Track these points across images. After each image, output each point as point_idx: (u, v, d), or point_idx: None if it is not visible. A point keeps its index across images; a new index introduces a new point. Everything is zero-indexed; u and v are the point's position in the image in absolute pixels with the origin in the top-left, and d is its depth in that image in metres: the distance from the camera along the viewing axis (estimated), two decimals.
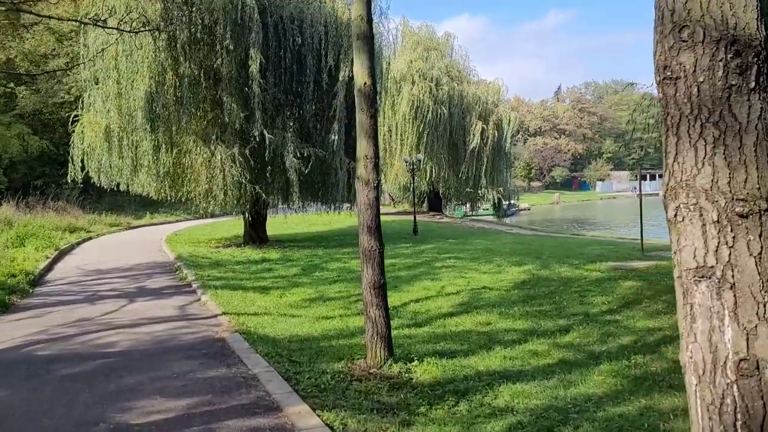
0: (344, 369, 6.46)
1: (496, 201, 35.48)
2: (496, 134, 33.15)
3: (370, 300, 6.61)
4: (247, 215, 19.06)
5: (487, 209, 46.31)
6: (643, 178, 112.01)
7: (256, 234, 21.23)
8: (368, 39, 6.51)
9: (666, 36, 2.28)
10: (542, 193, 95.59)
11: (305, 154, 17.70)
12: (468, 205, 49.58)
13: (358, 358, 6.81)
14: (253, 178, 17.67)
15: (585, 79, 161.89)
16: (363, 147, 6.53)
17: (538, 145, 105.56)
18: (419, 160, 26.75)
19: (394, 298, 10.31)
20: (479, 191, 34.50)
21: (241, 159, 16.95)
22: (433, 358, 6.67)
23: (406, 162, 25.82)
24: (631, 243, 18.98)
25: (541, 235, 24.63)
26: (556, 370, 6.37)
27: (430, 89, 31.40)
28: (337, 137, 18.19)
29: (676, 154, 2.28)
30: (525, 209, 66.16)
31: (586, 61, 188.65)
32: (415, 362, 6.56)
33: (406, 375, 6.28)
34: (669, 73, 2.28)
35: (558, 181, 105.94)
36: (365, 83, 6.46)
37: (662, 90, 2.33)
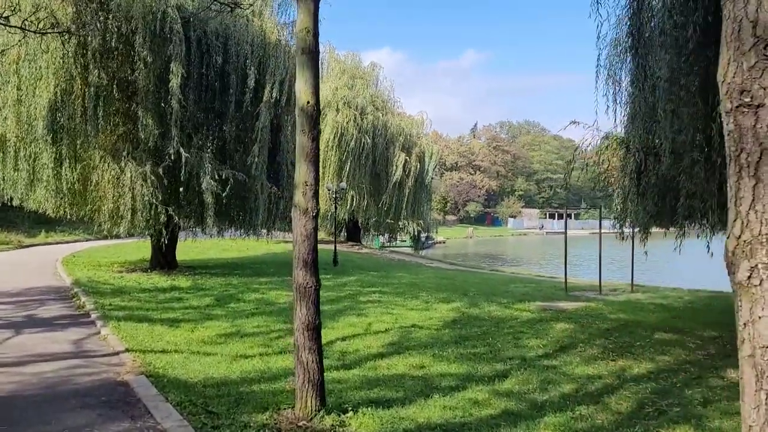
0: (270, 422, 5.69)
1: (415, 233, 35.41)
2: (419, 166, 33.20)
3: (303, 343, 5.89)
4: (156, 238, 17.70)
5: (404, 241, 46.27)
6: (551, 216, 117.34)
7: (164, 259, 19.84)
8: (313, 54, 5.91)
9: (745, 53, 1.81)
10: (457, 227, 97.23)
11: (223, 176, 16.71)
12: (386, 236, 49.42)
13: (284, 408, 6.04)
14: (166, 198, 16.48)
15: (499, 119, 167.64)
16: (303, 172, 5.87)
17: (454, 180, 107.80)
18: (343, 189, 26.22)
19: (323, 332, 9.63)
20: (399, 222, 34.33)
21: (153, 178, 15.76)
22: (368, 408, 6.02)
23: (329, 190, 25.19)
24: (551, 281, 19.14)
25: (461, 270, 24.57)
26: (501, 423, 5.87)
27: (355, 118, 31.09)
28: (258, 160, 17.32)
29: (753, 200, 1.80)
30: (441, 242, 66.82)
31: (500, 101, 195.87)
32: (350, 413, 5.88)
33: (341, 429, 5.58)
34: (748, 99, 1.81)
35: (472, 215, 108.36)
36: (308, 102, 5.83)
37: (735, 120, 1.86)
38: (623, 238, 11.47)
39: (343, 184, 25.49)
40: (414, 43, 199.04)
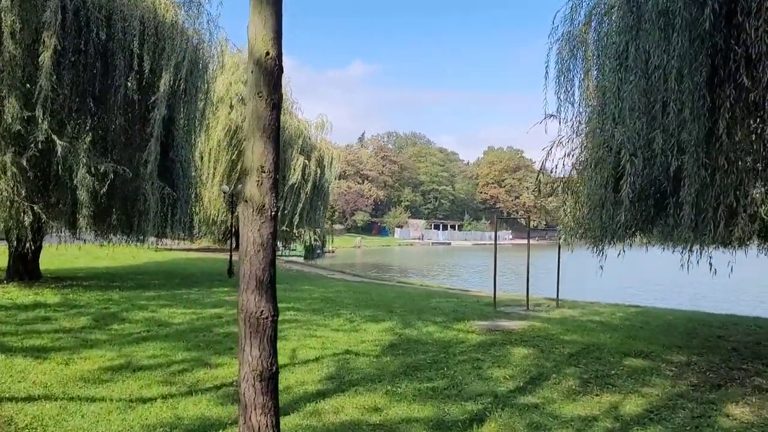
0: None
1: (312, 242, 33.47)
2: (318, 172, 31.41)
3: (253, 398, 4.11)
4: (16, 243, 14.66)
5: (294, 249, 44.19)
6: (436, 227, 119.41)
7: (25, 268, 16.73)
8: None
9: None
10: (344, 236, 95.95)
11: (102, 171, 14.13)
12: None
13: None
14: (31, 195, 13.64)
15: (386, 130, 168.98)
16: (257, 153, 4.11)
17: (342, 189, 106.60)
18: (234, 193, 23.90)
19: (229, 366, 7.72)
20: (295, 230, 32.26)
21: (15, 170, 12.93)
22: None
23: (225, 192, 22.81)
24: (468, 295, 18.09)
25: (368, 282, 23.03)
26: None
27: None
28: (150, 157, 14.89)
29: None
30: (331, 252, 65.13)
31: (386, 113, 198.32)
32: None
33: None
34: None
35: (360, 225, 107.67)
36: (268, 53, 4.07)
37: None
38: (571, 250, 10.46)
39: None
40: (304, 50, 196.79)
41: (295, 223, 31.26)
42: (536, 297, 16.74)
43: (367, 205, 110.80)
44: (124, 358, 8.35)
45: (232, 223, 24.10)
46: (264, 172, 4.04)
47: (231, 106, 28.35)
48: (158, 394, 6.76)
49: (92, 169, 13.88)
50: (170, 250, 31.00)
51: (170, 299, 14.04)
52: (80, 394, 6.66)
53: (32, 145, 13.08)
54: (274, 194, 4.11)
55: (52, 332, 9.95)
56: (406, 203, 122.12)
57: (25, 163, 13.05)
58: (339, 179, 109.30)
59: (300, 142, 31.12)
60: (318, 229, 34.27)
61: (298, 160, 30.44)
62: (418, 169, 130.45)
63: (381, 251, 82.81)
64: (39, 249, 16.85)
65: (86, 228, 14.16)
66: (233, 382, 7.28)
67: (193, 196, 18.16)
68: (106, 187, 13.86)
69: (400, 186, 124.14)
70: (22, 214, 13.13)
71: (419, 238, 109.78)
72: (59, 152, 13.24)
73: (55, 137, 13.41)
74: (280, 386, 7.19)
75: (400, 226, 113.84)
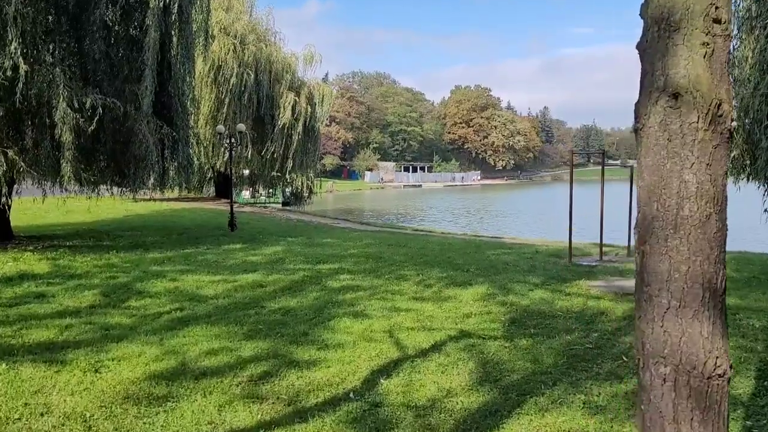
0: None
1: (304, 187, 30.82)
2: (309, 110, 28.51)
3: None
4: None
5: (271, 197, 41.45)
6: (406, 169, 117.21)
7: None
8: None
9: None
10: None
11: (89, 105, 11.35)
12: (249, 192, 44.62)
13: None
14: (1, 136, 10.83)
15: (343, 71, 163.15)
16: None
17: None
18: (240, 132, 20.96)
19: (324, 364, 5.47)
20: (287, 176, 29.52)
21: None
22: None
23: (220, 134, 19.94)
24: (507, 243, 16.02)
25: (387, 231, 20.67)
26: None
27: (235, 48, 25.60)
28: (146, 90, 12.10)
29: None
30: (330, 191, 62.02)
31: (344, 54, 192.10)
32: None
33: None
34: None
35: (329, 169, 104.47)
36: None
37: None
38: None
39: (242, 127, 20.31)
40: None
41: (288, 168, 28.52)
42: (579, 243, 14.81)
43: (335, 149, 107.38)
44: (173, 356, 6.02)
45: (230, 169, 21.28)
46: (720, 23, 1.67)
47: (213, 37, 25.04)
48: (254, 421, 4.52)
49: (75, 102, 11.07)
50: (145, 200, 28.02)
51: (184, 262, 11.58)
52: (141, 428, 4.36)
53: None
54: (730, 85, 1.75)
55: (55, 317, 7.49)
56: (375, 145, 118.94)
57: None
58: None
59: (288, 78, 28.02)
60: (310, 174, 31.59)
61: (287, 97, 27.43)
62: (385, 109, 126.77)
63: (354, 196, 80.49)
64: (9, 205, 14.01)
65: (71, 177, 11.40)
66: (351, 393, 5.08)
67: (191, 136, 15.40)
68: (93, 124, 11.09)
69: (368, 128, 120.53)
70: None
71: (381, 180, 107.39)
72: (35, 81, 10.38)
73: (21, 63, 10.51)
74: (415, 396, 5.04)
75: (370, 169, 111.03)
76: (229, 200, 37.85)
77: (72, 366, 5.65)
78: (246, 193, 45.20)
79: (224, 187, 36.60)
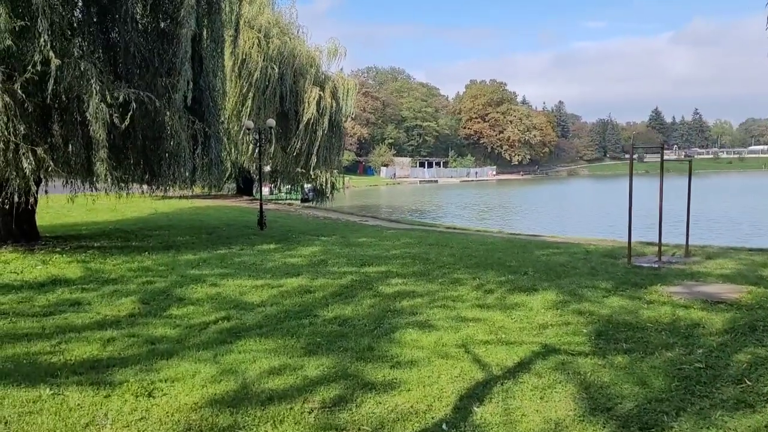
0: None
1: (327, 183, 30.16)
2: (334, 105, 27.86)
3: None
4: (12, 196, 11.21)
5: (290, 193, 40.95)
6: (422, 165, 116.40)
7: (19, 227, 13.43)
8: None
9: None
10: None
11: (122, 99, 10.77)
12: (268, 188, 44.39)
13: None
14: (30, 134, 10.26)
15: (356, 67, 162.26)
16: None
17: None
18: (271, 128, 20.35)
19: (402, 386, 4.76)
20: (311, 172, 28.88)
21: (9, 99, 9.50)
22: None
23: (249, 129, 19.33)
24: (549, 242, 15.27)
25: (419, 228, 19.95)
26: None
27: (259, 42, 25.00)
28: (180, 83, 11.52)
29: None
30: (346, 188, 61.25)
31: (355, 49, 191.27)
32: None
33: None
34: None
35: (345, 164, 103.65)
36: None
37: None
38: None
39: (272, 122, 19.69)
40: None
41: (312, 165, 27.89)
42: (624, 242, 14.02)
43: (351, 144, 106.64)
44: (231, 376, 5.39)
45: (260, 166, 20.69)
46: None
47: (236, 30, 24.44)
48: None
49: (108, 97, 10.49)
50: (168, 198, 27.50)
51: (221, 264, 10.98)
52: None
53: (29, 67, 9.59)
54: None
55: (95, 328, 6.90)
56: (390, 141, 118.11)
57: (20, 91, 9.59)
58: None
59: (313, 72, 27.36)
60: (335, 170, 30.97)
61: (312, 92, 26.80)
62: (400, 105, 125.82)
63: (371, 191, 79.98)
64: (35, 202, 13.49)
65: (106, 176, 10.81)
66: (444, 424, 4.43)
67: (222, 132, 14.81)
68: (127, 120, 10.51)
69: (383, 123, 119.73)
70: (21, 159, 9.75)
71: (406, 177, 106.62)
72: (65, 76, 9.80)
73: (52, 57, 9.92)
74: (520, 429, 4.37)
75: (386, 165, 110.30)
76: (251, 197, 37.64)
77: (122, 390, 5.04)
78: (265, 190, 44.77)
79: (246, 184, 36.12)
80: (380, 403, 4.86)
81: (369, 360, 5.85)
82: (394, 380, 5.32)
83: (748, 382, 5.06)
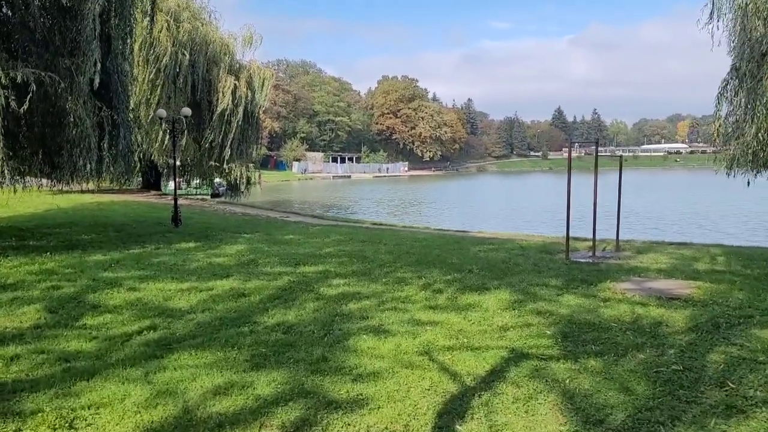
0: None
1: (244, 178, 28.67)
2: (249, 95, 26.59)
3: None
4: None
5: (198, 186, 39.11)
6: (334, 160, 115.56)
7: None
8: None
9: None
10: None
11: (20, 80, 9.50)
12: (176, 183, 42.21)
13: None
14: None
15: (274, 57, 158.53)
16: None
17: None
18: (186, 117, 18.89)
19: (371, 404, 4.23)
20: (225, 166, 27.38)
21: None
22: None
23: (161, 118, 17.90)
24: (482, 238, 15.10)
25: (343, 225, 19.21)
26: None
27: (168, 25, 23.39)
28: (91, 62, 10.31)
29: None
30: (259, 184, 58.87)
31: (267, 41, 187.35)
32: None
33: None
34: None
35: (255, 159, 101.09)
36: None
37: None
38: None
39: (187, 110, 18.33)
40: None
41: (226, 157, 26.50)
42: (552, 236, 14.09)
43: (262, 138, 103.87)
44: (169, 398, 4.63)
45: (174, 158, 19.28)
46: None
47: (143, 12, 22.73)
48: None
49: (2, 78, 9.17)
50: (66, 192, 25.31)
51: (137, 265, 9.89)
52: None
53: None
54: None
55: None
56: (302, 135, 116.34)
57: None
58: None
59: (227, 60, 26.02)
60: (251, 164, 29.69)
61: (226, 81, 25.40)
62: (312, 98, 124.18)
63: (283, 187, 78.38)
64: None
65: (2, 166, 9.44)
66: None
67: (132, 121, 13.55)
68: (26, 104, 9.25)
69: (295, 117, 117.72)
70: None
71: (319, 172, 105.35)
72: None
73: None
74: None
75: (298, 160, 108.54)
76: (159, 192, 35.55)
77: (36, 421, 4.16)
78: (172, 184, 42.49)
79: (153, 178, 34.07)
80: (349, 424, 4.25)
81: (326, 372, 5.21)
82: (360, 396, 4.71)
83: (731, 385, 4.84)
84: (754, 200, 30.13)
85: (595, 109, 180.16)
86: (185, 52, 24.11)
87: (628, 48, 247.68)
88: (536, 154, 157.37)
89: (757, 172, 9.92)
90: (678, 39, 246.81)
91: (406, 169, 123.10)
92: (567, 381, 4.99)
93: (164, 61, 23.56)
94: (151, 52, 23.19)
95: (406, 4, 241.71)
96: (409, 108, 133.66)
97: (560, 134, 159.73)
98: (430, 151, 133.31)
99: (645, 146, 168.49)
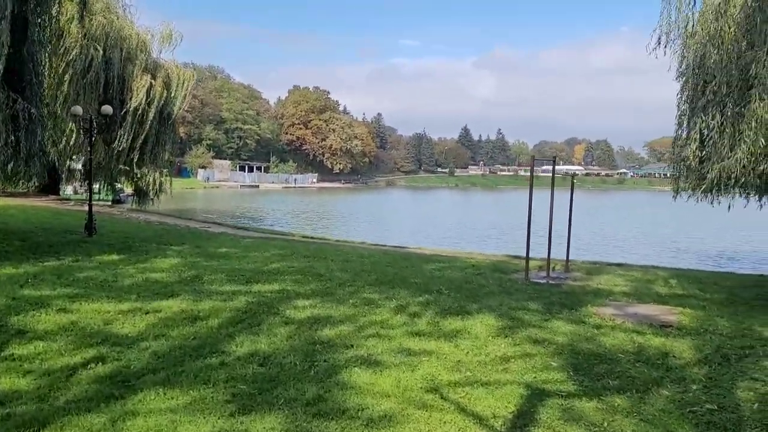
0: None
1: (156, 184, 26.59)
2: (165, 95, 24.88)
3: None
4: None
5: (97, 192, 36.32)
6: (242, 169, 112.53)
7: None
8: None
9: None
10: None
11: None
12: (71, 188, 39.55)
13: None
14: None
15: (181, 60, 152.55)
16: None
17: None
18: (107, 115, 17.02)
19: None
20: (135, 170, 25.30)
21: None
22: None
23: (75, 115, 16.11)
24: (428, 256, 14.63)
25: (280, 239, 17.94)
26: None
27: (80, 16, 21.44)
28: (2, 41, 8.90)
29: None
30: (132, 195, 55.58)
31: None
32: None
33: None
34: None
35: (169, 165, 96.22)
36: None
37: None
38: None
39: (108, 108, 16.58)
40: None
41: (135, 160, 24.56)
42: (496, 255, 13.95)
43: (178, 143, 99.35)
44: None
45: (89, 159, 17.41)
46: None
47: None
48: None
49: None
50: None
51: (59, 281, 8.55)
52: None
53: None
54: None
55: None
56: (209, 142, 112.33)
57: None
58: None
59: (144, 58, 24.20)
60: (164, 170, 27.75)
61: (142, 79, 23.56)
62: (220, 105, 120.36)
63: (188, 194, 74.89)
64: None
65: None
66: None
67: (46, 116, 12.01)
68: None
69: (201, 123, 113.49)
70: None
71: (226, 180, 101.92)
72: None
73: None
74: None
75: (203, 167, 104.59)
76: (58, 197, 32.68)
77: None
78: (69, 189, 39.30)
79: (52, 181, 31.25)
80: None
81: (329, 416, 4.44)
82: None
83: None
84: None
85: (500, 129, 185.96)
86: (98, 47, 22.18)
87: (530, 72, 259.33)
88: (443, 170, 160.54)
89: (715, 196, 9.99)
90: (577, 66, 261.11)
91: (315, 180, 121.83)
92: (605, 425, 4.49)
93: (73, 54, 21.56)
94: (60, 44, 21.14)
95: (321, 16, 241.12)
96: (320, 119, 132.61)
97: (466, 152, 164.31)
98: (340, 164, 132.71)
99: (545, 167, 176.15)
